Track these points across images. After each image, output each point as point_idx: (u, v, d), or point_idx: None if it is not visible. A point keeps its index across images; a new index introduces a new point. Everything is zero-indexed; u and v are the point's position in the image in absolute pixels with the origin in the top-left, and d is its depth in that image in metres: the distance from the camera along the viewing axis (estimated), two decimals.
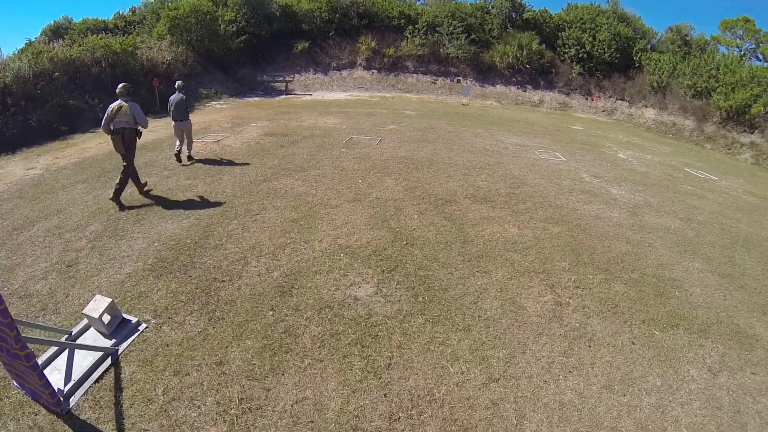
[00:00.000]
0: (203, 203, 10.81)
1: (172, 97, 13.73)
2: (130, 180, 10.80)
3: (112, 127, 10.29)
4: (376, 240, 9.16)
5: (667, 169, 18.15)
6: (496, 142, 18.52)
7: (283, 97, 29.02)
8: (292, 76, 31.96)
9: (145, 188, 11.51)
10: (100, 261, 8.23)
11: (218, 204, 10.71)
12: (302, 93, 30.31)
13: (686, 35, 35.11)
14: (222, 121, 20.15)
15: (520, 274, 8.29)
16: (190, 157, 14.31)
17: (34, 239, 9.07)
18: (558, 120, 27.51)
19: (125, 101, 10.43)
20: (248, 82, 31.16)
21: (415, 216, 10.35)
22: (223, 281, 7.64)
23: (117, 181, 10.53)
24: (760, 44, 35.75)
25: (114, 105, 10.34)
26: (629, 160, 18.57)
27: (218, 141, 16.59)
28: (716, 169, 20.33)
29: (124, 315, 6.57)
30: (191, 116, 14.34)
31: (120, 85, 10.61)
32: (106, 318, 6.24)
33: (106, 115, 10.30)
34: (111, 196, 10.52)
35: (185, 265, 8.08)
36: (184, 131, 13.95)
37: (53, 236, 9.20)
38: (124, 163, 10.56)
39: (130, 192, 11.15)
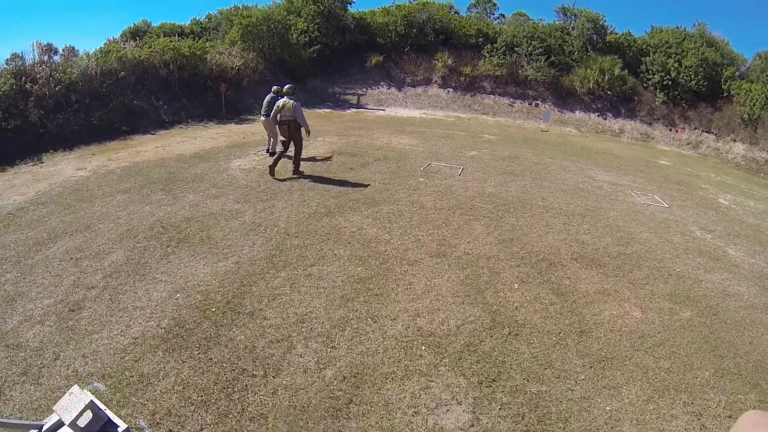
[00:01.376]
0: (247, 239, 9.07)
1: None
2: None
3: (278, 118, 12.52)
4: (469, 324, 6.96)
5: None
6: (587, 179, 16.23)
7: (354, 110, 27.37)
8: (364, 89, 30.27)
9: (299, 171, 13.25)
10: (108, 309, 6.64)
11: (266, 241, 8.93)
12: (375, 108, 28.58)
13: None
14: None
15: (658, 393, 6.02)
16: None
17: (50, 262, 7.81)
18: (642, 153, 24.85)
19: (290, 99, 12.45)
20: (319, 93, 29.58)
21: (516, 285, 8.24)
22: (255, 376, 5.61)
23: (293, 162, 13.12)
24: None
25: (281, 101, 12.47)
26: (733, 207, 15.98)
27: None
28: None
29: (110, 416, 4.63)
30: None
31: (287, 86, 12.98)
32: (84, 420, 4.32)
33: (274, 108, 12.59)
34: (293, 170, 13.12)
35: (207, 339, 6.16)
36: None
37: (70, 261, 7.88)
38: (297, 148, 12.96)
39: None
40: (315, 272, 7.99)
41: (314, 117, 23.57)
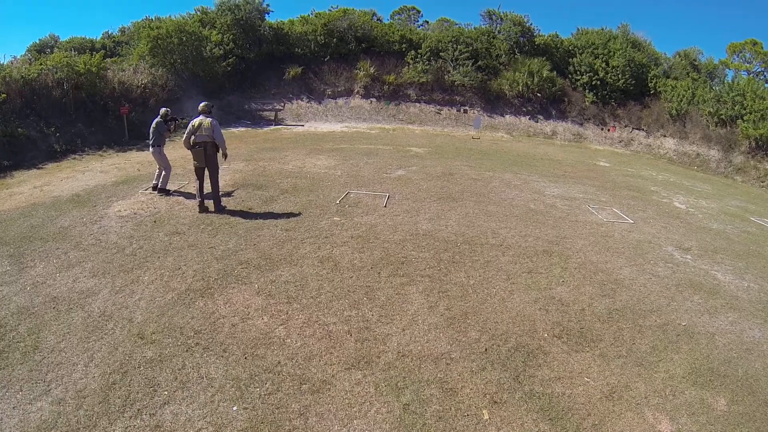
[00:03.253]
0: (85, 349, 5.39)
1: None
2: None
3: (192, 141, 9.86)
4: None
5: (735, 221, 13.33)
6: (536, 195, 13.16)
7: (271, 128, 23.40)
8: (282, 104, 26.30)
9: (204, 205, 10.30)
10: None
11: (109, 354, 5.34)
12: (293, 123, 24.64)
13: (694, 60, 30.59)
14: (191, 160, 14.56)
15: None
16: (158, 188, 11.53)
17: None
18: (579, 155, 22.21)
19: (206, 117, 9.88)
20: (235, 110, 25.44)
21: (485, 414, 4.80)
22: None
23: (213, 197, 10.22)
24: None
25: (195, 120, 9.86)
26: (691, 212, 13.57)
27: (171, 193, 11.32)
28: None
29: None
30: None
31: (202, 104, 10.21)
32: None
33: (187, 129, 9.90)
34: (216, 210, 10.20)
35: None
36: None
37: None
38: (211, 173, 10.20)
39: None
40: (167, 420, 4.39)
41: (228, 138, 19.08)
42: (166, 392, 4.75)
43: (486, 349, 5.77)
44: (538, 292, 7.27)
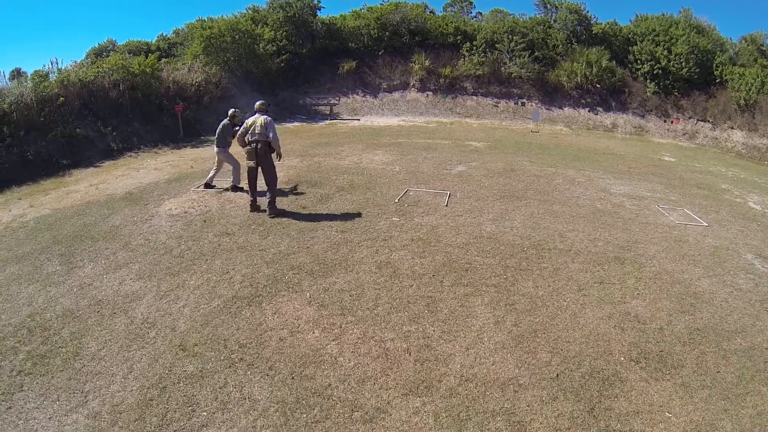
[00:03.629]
0: (125, 359, 5.28)
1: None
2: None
3: (246, 139, 9.54)
4: None
5: None
6: (602, 193, 12.47)
7: (327, 122, 23.34)
8: (337, 98, 26.23)
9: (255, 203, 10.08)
10: None
11: (149, 366, 5.20)
12: (349, 118, 24.52)
13: (762, 45, 28.44)
14: (243, 156, 14.50)
15: None
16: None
17: None
18: (642, 149, 21.11)
19: (261, 116, 9.54)
20: (289, 106, 25.50)
21: None
22: None
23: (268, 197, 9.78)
24: None
25: (250, 119, 9.61)
26: (766, 213, 12.46)
27: (221, 192, 11.23)
28: None
29: None
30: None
31: (258, 102, 9.85)
32: None
33: (242, 127, 9.67)
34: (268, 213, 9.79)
35: None
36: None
37: None
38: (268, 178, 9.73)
39: None
40: None
41: (282, 133, 19.22)
42: (205, 413, 4.53)
43: (558, 375, 5.28)
44: (612, 307, 6.74)
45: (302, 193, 11.13)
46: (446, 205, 10.50)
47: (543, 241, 8.83)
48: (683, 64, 25.60)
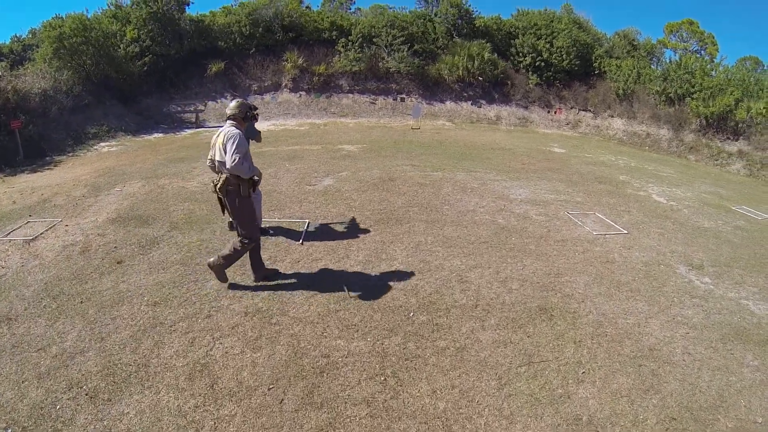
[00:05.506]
0: None
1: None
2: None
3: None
4: None
5: (720, 214, 10.71)
6: (500, 201, 9.91)
7: (191, 131, 19.24)
8: (204, 104, 22.18)
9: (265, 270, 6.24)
10: None
11: None
12: (216, 125, 20.17)
13: (633, 40, 28.35)
14: (83, 181, 10.82)
15: None
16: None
17: None
18: (529, 141, 19.15)
19: (228, 126, 5.56)
20: (154, 114, 21.12)
21: None
22: None
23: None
24: (706, 46, 30.22)
25: (216, 134, 5.68)
26: (674, 206, 10.81)
27: (29, 240, 7.30)
28: (742, 195, 13.15)
29: None
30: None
31: (232, 103, 5.76)
32: None
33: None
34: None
35: None
36: None
37: None
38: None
39: None
40: None
41: (138, 148, 15.58)
42: None
43: None
44: (554, 409, 4.02)
45: (272, 234, 7.74)
46: (301, 243, 7.37)
47: (437, 295, 5.92)
48: (564, 56, 24.46)
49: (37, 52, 21.24)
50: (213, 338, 4.97)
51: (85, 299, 5.65)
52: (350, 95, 23.84)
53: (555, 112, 24.35)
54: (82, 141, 16.30)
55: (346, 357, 4.70)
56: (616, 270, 6.83)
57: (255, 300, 5.70)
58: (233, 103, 5.71)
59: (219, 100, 22.65)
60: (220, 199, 5.64)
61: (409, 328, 5.19)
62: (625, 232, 8.57)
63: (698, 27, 29.94)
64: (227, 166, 5.23)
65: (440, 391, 4.22)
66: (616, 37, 28.56)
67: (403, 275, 6.39)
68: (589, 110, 24.32)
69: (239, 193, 5.50)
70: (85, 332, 4.99)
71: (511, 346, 4.87)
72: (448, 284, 6.18)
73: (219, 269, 5.80)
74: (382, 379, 4.38)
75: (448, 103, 24.32)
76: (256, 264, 6.06)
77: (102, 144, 16.33)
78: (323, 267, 6.58)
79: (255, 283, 6.04)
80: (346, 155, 13.89)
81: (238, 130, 5.45)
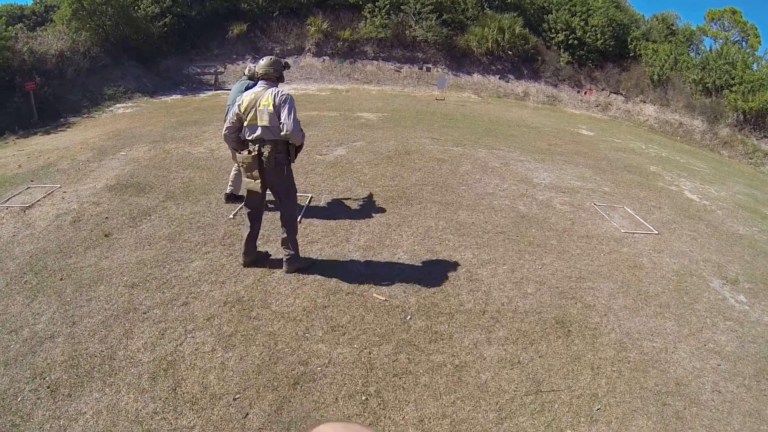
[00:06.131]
0: None
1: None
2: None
3: (244, 136, 4.79)
4: None
5: (756, 219, 9.65)
6: (522, 184, 9.00)
7: (210, 93, 18.52)
8: (224, 66, 21.35)
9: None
10: None
11: None
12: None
13: (672, 24, 26.43)
14: (90, 144, 10.18)
15: None
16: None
17: None
18: (557, 120, 18.02)
19: (268, 87, 4.69)
20: (173, 76, 20.33)
21: None
22: None
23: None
24: (748, 37, 27.77)
25: (246, 95, 4.70)
26: (708, 206, 9.79)
27: (25, 208, 6.79)
28: None
29: None
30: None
31: (262, 60, 4.84)
32: None
33: (230, 110, 5.17)
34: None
35: None
36: None
37: None
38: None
39: None
40: None
41: (153, 110, 14.94)
42: None
43: None
44: None
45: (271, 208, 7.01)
46: (299, 221, 6.60)
47: (441, 295, 5.15)
48: (599, 35, 22.81)
49: (56, 12, 20.64)
50: (185, 330, 4.36)
51: (66, 276, 5.13)
52: (375, 62, 22.71)
53: (585, 93, 22.94)
54: (98, 102, 15.79)
55: (327, 366, 4.02)
56: (644, 278, 6.01)
57: (237, 287, 5.05)
58: (264, 61, 4.86)
59: (240, 63, 21.77)
60: (261, 171, 4.78)
61: (404, 336, 4.47)
62: (656, 232, 7.66)
63: (741, 17, 27.62)
64: (286, 131, 4.57)
65: (429, 420, 3.53)
66: (654, 20, 26.65)
67: (405, 268, 5.64)
68: (621, 93, 22.82)
69: (289, 162, 4.91)
70: (58, 314, 4.47)
71: (519, 368, 4.13)
72: (455, 282, 5.43)
73: (295, 266, 5.30)
74: (363, 398, 3.70)
75: (475, 75, 23.06)
76: (249, 246, 5.38)
77: (118, 105, 15.80)
78: (319, 251, 5.89)
79: (242, 266, 5.41)
80: (364, 124, 13.01)
81: (287, 92, 4.78)
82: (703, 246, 7.49)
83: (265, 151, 4.68)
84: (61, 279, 5.07)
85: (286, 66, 5.21)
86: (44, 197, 7.20)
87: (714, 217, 9.10)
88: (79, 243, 5.85)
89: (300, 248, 5.49)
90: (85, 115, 14.23)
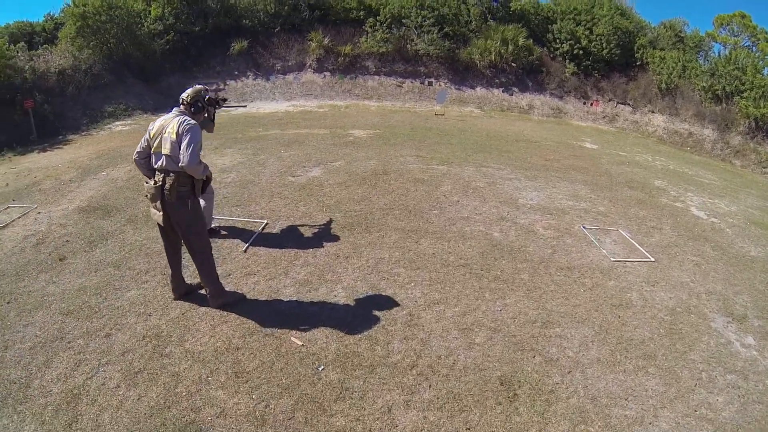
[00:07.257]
0: None
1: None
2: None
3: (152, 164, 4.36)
4: None
5: None
6: (505, 206, 7.99)
7: None
8: (225, 83, 20.82)
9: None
10: None
11: None
12: (235, 104, 18.82)
13: (680, 31, 25.10)
14: (77, 164, 9.88)
15: None
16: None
17: None
18: (560, 133, 17.00)
19: (178, 115, 4.47)
20: (175, 94, 19.20)
21: None
22: None
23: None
24: (758, 42, 26.66)
25: (156, 123, 4.52)
26: (716, 225, 8.64)
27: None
28: None
29: None
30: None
31: (188, 90, 4.69)
32: None
33: (142, 139, 4.54)
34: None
35: None
36: None
37: None
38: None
39: None
40: None
41: (142, 130, 14.63)
42: None
43: None
44: None
45: (225, 235, 6.34)
46: (245, 250, 5.85)
47: (366, 342, 4.27)
48: (604, 44, 21.70)
49: (62, 30, 20.41)
50: (99, 364, 3.94)
51: (13, 300, 4.85)
52: (376, 77, 21.92)
53: (591, 104, 21.80)
54: (97, 120, 15.50)
55: (218, 417, 3.40)
56: (629, 320, 4.96)
57: (161, 321, 4.46)
58: (189, 90, 4.71)
59: (241, 80, 21.19)
60: (162, 204, 4.21)
61: (308, 390, 3.67)
62: (652, 259, 6.59)
63: (750, 21, 25.75)
64: (182, 163, 4.11)
65: None
66: (662, 27, 25.30)
67: (338, 308, 4.77)
68: (628, 104, 21.61)
69: (192, 194, 4.26)
70: None
71: None
72: (389, 327, 4.53)
73: (219, 301, 4.65)
74: None
75: (478, 89, 22.08)
76: (174, 282, 4.77)
77: (117, 123, 15.49)
78: (254, 284, 5.08)
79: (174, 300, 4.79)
80: (351, 142, 12.12)
81: (194, 121, 4.46)
82: (707, 274, 6.40)
83: (168, 182, 4.12)
84: (8, 302, 4.85)
85: (217, 102, 5.10)
86: (19, 217, 6.95)
87: (722, 237, 7.97)
88: (35, 266, 5.58)
89: (236, 280, 4.95)
90: (83, 133, 14.02)
